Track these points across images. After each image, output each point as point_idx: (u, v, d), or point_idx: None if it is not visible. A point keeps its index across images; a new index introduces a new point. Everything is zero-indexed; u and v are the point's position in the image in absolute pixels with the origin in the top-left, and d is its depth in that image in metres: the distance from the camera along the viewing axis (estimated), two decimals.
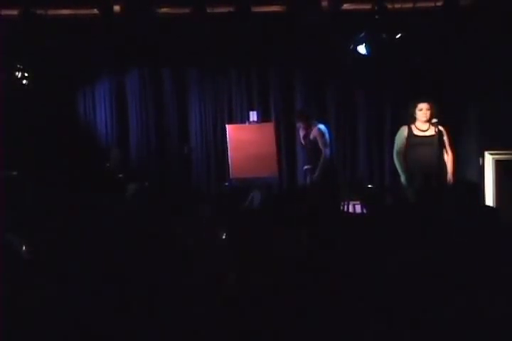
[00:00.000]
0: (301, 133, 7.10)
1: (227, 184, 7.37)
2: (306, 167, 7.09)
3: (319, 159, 6.77)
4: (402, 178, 6.15)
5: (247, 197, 6.99)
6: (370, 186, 6.31)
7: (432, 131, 6.11)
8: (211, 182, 7.93)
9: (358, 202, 6.32)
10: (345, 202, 6.27)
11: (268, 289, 2.32)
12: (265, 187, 7.20)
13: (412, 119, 6.18)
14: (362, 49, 7.01)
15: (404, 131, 6.20)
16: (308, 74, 7.85)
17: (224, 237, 3.41)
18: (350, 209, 6.36)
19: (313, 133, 6.87)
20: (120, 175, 6.91)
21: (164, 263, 2.82)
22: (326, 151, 6.79)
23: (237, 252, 2.74)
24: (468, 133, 7.35)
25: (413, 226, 3.44)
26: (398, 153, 6.19)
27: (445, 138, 6.10)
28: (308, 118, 6.99)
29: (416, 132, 6.17)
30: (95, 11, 6.73)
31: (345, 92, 7.86)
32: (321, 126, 6.90)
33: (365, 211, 6.02)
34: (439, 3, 6.72)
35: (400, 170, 6.19)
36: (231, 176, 7.32)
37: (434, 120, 6.02)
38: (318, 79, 7.85)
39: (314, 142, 6.85)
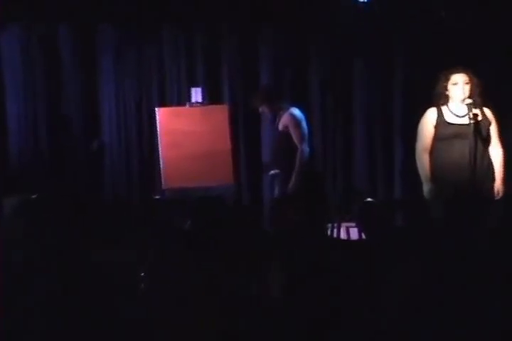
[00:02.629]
0: (266, 120, 7.17)
1: (158, 197, 7.32)
2: (272, 172, 7.10)
3: (292, 159, 6.77)
4: (426, 188, 6.07)
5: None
6: (370, 200, 6.27)
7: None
8: (133, 195, 7.97)
9: (353, 224, 6.48)
10: (335, 224, 6.40)
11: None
12: None
13: (442, 99, 6.12)
14: None
15: (431, 116, 6.15)
16: (280, 33, 7.88)
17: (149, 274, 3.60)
18: (342, 234, 6.48)
19: (284, 122, 6.89)
20: None
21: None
22: (304, 148, 6.81)
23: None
24: None
25: (438, 259, 3.53)
26: (423, 149, 6.12)
27: (492, 127, 6.07)
28: (276, 99, 6.99)
29: (449, 118, 6.11)
30: None
31: (336, 61, 7.89)
32: (295, 111, 6.92)
33: (363, 236, 5.98)
34: None
35: (422, 176, 6.12)
36: (164, 186, 7.40)
37: (468, 100, 5.98)
38: (296, 40, 7.88)
39: (285, 134, 6.86)
